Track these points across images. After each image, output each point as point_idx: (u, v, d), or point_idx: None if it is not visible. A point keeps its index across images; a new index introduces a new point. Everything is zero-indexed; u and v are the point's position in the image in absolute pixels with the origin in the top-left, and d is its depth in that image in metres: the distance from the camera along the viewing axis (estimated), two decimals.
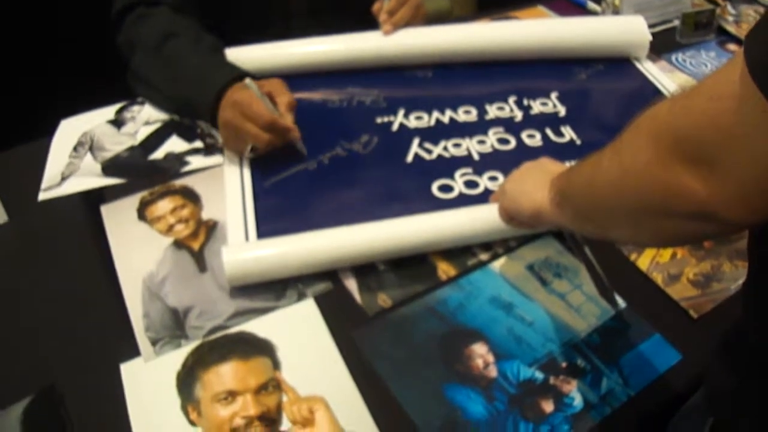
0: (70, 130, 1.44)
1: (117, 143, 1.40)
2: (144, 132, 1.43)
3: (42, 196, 1.28)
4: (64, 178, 1.32)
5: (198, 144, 1.39)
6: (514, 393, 0.99)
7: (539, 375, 1.02)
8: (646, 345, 1.05)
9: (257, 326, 1.07)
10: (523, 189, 1.05)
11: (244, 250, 1.13)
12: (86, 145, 1.39)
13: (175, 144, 1.40)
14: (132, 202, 1.27)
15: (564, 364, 1.03)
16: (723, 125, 0.58)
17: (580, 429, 0.95)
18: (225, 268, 1.09)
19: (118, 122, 1.45)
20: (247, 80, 1.25)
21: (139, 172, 1.33)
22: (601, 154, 0.77)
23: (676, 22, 1.78)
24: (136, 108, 1.48)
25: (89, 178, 1.32)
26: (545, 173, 1.01)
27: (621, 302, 1.10)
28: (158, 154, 1.38)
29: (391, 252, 1.15)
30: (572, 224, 0.95)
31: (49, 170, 1.34)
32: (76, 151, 1.38)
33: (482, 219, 1.17)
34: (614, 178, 0.74)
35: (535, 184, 1.01)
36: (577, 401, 0.99)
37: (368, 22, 1.53)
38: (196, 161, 1.36)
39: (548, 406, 0.98)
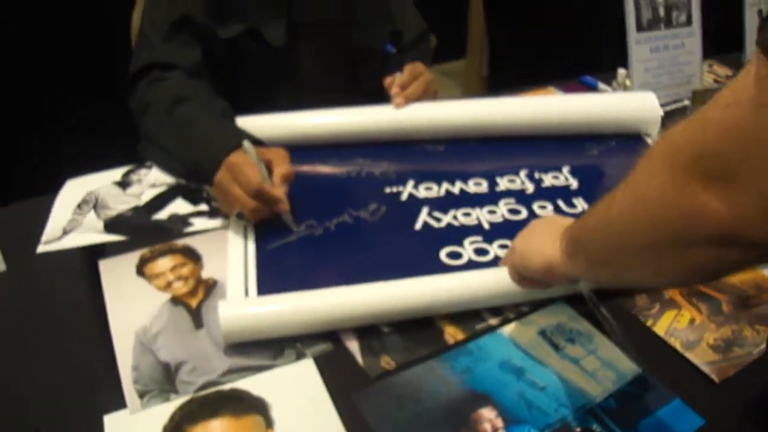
0: (75, 189, 1.38)
1: (121, 203, 1.33)
2: (150, 194, 1.36)
3: (41, 248, 1.22)
4: (65, 233, 1.25)
5: (203, 207, 1.32)
6: None
7: None
8: (666, 410, 0.95)
9: (251, 384, 0.98)
10: (533, 245, 0.97)
11: (242, 306, 1.05)
12: (90, 203, 1.33)
13: (179, 206, 1.33)
14: (131, 258, 1.20)
15: (578, 430, 0.93)
16: (741, 131, 0.52)
17: None
18: (221, 323, 1.00)
19: (124, 183, 1.39)
20: (246, 144, 1.18)
21: (141, 231, 1.26)
22: (614, 191, 0.70)
23: (687, 102, 1.72)
24: (143, 171, 1.42)
25: (90, 233, 1.26)
26: (555, 227, 0.93)
27: (633, 365, 1.02)
28: (162, 214, 1.31)
29: (396, 313, 1.06)
30: (586, 273, 0.86)
31: (51, 225, 1.28)
32: (79, 209, 1.32)
33: (492, 282, 1.08)
34: (629, 210, 0.68)
35: (545, 239, 0.93)
36: None
37: (380, 98, 1.49)
38: (199, 223, 1.28)
39: None
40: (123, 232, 1.26)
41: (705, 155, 0.56)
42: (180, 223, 1.28)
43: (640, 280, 0.81)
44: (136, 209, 1.32)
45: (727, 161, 0.54)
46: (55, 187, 1.38)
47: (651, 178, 0.63)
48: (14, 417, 0.95)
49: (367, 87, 1.56)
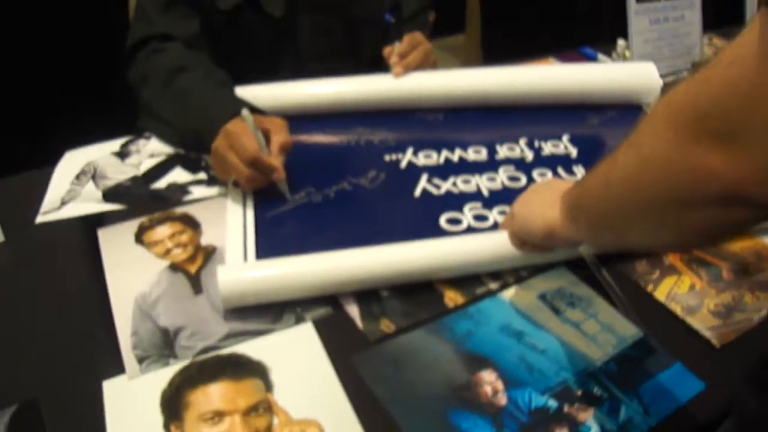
0: (73, 160, 1.37)
1: (120, 173, 1.32)
2: (148, 164, 1.35)
3: (40, 219, 1.21)
4: (63, 203, 1.25)
5: (201, 176, 1.31)
6: (526, 421, 0.88)
7: (553, 403, 0.90)
8: (667, 374, 0.95)
9: (251, 348, 0.97)
10: (533, 209, 0.95)
11: (241, 270, 1.03)
12: (89, 173, 1.32)
13: (178, 175, 1.32)
14: (130, 226, 1.19)
15: (579, 392, 0.92)
16: (745, 88, 0.51)
17: None
18: (220, 287, 0.99)
19: (122, 154, 1.38)
20: (244, 112, 1.17)
21: (140, 200, 1.25)
22: (615, 153, 0.69)
23: (686, 73, 1.71)
24: (141, 141, 1.41)
25: (89, 203, 1.25)
26: (554, 191, 0.92)
27: (639, 331, 1.00)
28: (160, 183, 1.30)
29: (396, 277, 1.05)
30: (588, 236, 0.85)
31: (49, 195, 1.27)
32: (78, 179, 1.31)
33: (491, 246, 1.07)
34: (632, 172, 0.66)
35: (544, 203, 0.92)
36: (594, 430, 0.87)
37: (379, 68, 1.47)
38: (198, 191, 1.27)
39: None
40: (121, 201, 1.25)
41: (709, 114, 0.55)
42: (178, 191, 1.27)
43: (642, 241, 0.80)
44: (134, 179, 1.31)
45: (732, 119, 0.53)
46: (53, 160, 1.38)
47: (654, 139, 0.62)
48: (12, 384, 0.94)
49: (367, 57, 1.55)
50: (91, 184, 1.30)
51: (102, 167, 1.34)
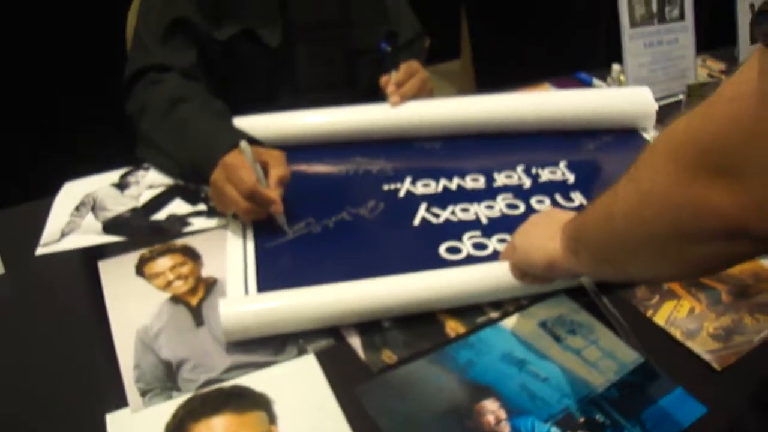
0: (73, 192, 1.36)
1: (119, 204, 1.32)
2: (148, 195, 1.35)
3: (40, 251, 1.20)
4: (63, 235, 1.24)
5: (201, 207, 1.31)
6: None
7: (556, 431, 0.90)
8: (669, 399, 0.95)
9: (254, 380, 0.97)
10: (534, 241, 0.95)
11: (243, 303, 1.04)
12: (88, 205, 1.32)
13: (178, 206, 1.32)
14: (131, 258, 1.19)
15: (582, 420, 0.92)
16: (746, 124, 0.51)
17: None
18: (222, 320, 0.99)
19: (121, 185, 1.38)
20: (242, 144, 1.17)
21: (140, 231, 1.25)
22: (615, 187, 0.68)
23: (681, 96, 1.71)
24: (140, 173, 1.41)
25: (89, 235, 1.24)
26: (555, 222, 0.92)
27: (640, 356, 1.00)
28: (160, 215, 1.30)
29: (397, 308, 1.05)
30: (589, 269, 0.85)
31: (49, 227, 1.26)
32: (77, 211, 1.30)
33: (492, 276, 1.07)
34: (633, 206, 0.66)
35: (545, 235, 0.92)
36: None
37: (376, 97, 1.48)
38: (198, 223, 1.27)
39: None
40: (122, 233, 1.25)
41: (711, 150, 0.56)
42: (178, 223, 1.27)
43: (644, 274, 0.80)
44: (134, 210, 1.31)
45: (734, 155, 0.53)
46: (52, 191, 1.37)
47: (655, 174, 0.62)
48: (13, 419, 0.93)
49: (363, 86, 1.56)
50: (90, 216, 1.29)
51: (101, 198, 1.34)
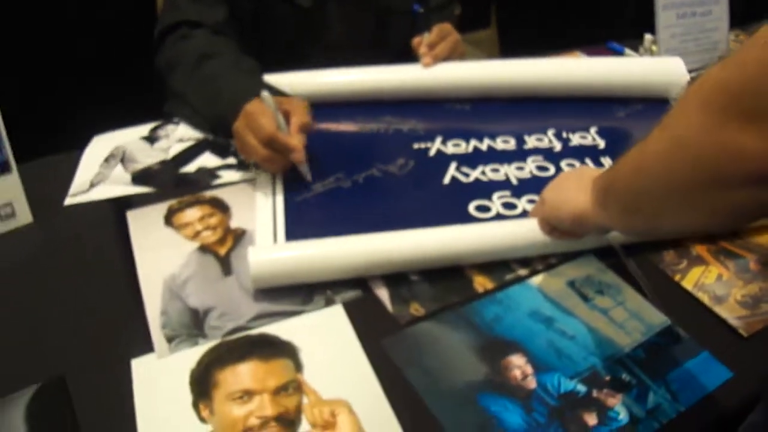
0: (102, 144, 1.36)
1: (149, 157, 1.31)
2: (177, 148, 1.35)
3: (69, 201, 1.20)
4: (92, 185, 1.24)
5: (231, 160, 1.30)
6: (555, 405, 0.88)
7: (581, 388, 0.90)
8: (695, 362, 0.94)
9: (281, 329, 0.97)
10: (563, 196, 0.95)
11: (272, 251, 1.03)
12: (117, 157, 1.31)
13: (207, 159, 1.31)
14: (159, 209, 1.18)
15: (607, 378, 0.91)
16: None
17: None
18: (250, 267, 0.99)
19: (151, 138, 1.37)
20: (264, 93, 1.16)
21: (169, 183, 1.25)
22: (647, 137, 0.68)
23: None
24: (170, 127, 1.40)
25: (118, 186, 1.24)
26: (585, 177, 0.91)
27: (662, 317, 1.01)
28: (190, 167, 1.29)
29: (425, 261, 1.04)
30: (618, 222, 0.84)
31: (78, 178, 1.26)
32: (107, 162, 1.30)
33: (521, 232, 1.07)
34: (664, 154, 0.65)
35: (575, 189, 0.91)
36: (623, 415, 0.87)
37: (407, 59, 1.47)
38: (227, 176, 1.27)
39: (591, 419, 0.86)
40: (150, 184, 1.25)
41: (743, 94, 0.55)
42: (207, 175, 1.27)
43: (674, 225, 0.79)
44: (163, 163, 1.31)
45: (765, 99, 0.53)
46: (80, 144, 1.37)
47: (686, 121, 0.61)
48: (40, 363, 0.93)
49: (394, 47, 1.54)
50: (119, 168, 1.29)
51: (131, 151, 1.33)
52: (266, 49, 1.47)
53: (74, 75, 1.76)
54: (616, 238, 1.04)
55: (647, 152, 0.69)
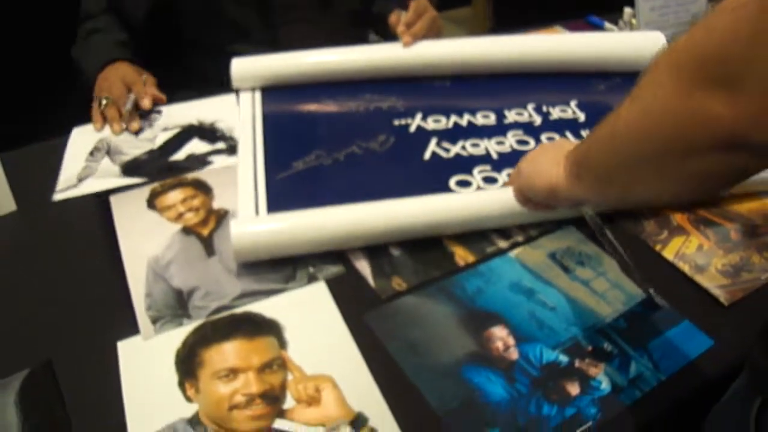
0: (83, 137, 1.36)
1: (136, 147, 1.31)
2: (163, 137, 1.34)
3: (58, 196, 1.19)
4: (81, 180, 1.23)
5: (220, 145, 1.30)
6: (537, 375, 0.88)
7: (563, 358, 0.90)
8: (676, 331, 0.94)
9: (264, 307, 0.97)
10: (539, 168, 0.94)
11: (254, 223, 1.04)
12: (103, 150, 1.30)
13: (196, 146, 1.31)
14: (142, 193, 1.18)
15: (589, 348, 0.92)
16: (746, 31, 0.50)
17: (608, 412, 0.84)
18: (232, 240, 0.99)
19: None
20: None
21: (161, 172, 1.24)
22: (618, 108, 0.68)
23: None
24: (152, 116, 1.40)
25: (107, 178, 1.23)
26: (561, 149, 0.91)
27: (652, 291, 0.99)
28: (179, 155, 1.29)
29: (405, 231, 1.05)
30: (591, 193, 0.84)
31: (64, 173, 1.25)
32: (92, 156, 1.29)
33: (498, 201, 1.06)
34: (634, 122, 0.64)
35: (550, 161, 0.91)
36: (605, 384, 0.87)
37: (356, 24, 1.53)
38: (219, 161, 1.27)
39: (574, 389, 0.87)
40: (141, 174, 1.24)
41: (710, 60, 0.54)
42: (198, 162, 1.27)
43: (646, 193, 0.78)
44: (151, 152, 1.30)
45: (733, 65, 0.52)
46: (60, 133, 1.38)
47: (656, 88, 0.61)
48: (27, 348, 0.94)
49: (339, 8, 1.57)
50: (106, 160, 1.28)
51: (116, 143, 1.33)
52: (211, 24, 1.55)
53: (53, 65, 1.74)
54: (590, 210, 1.04)
55: (618, 122, 0.69)
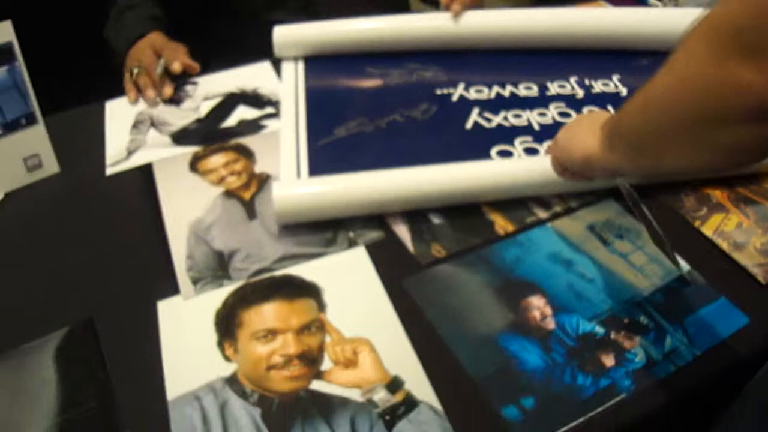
0: (120, 111, 1.36)
1: (181, 118, 1.31)
2: (206, 106, 1.34)
3: (110, 170, 1.21)
4: (130, 153, 1.24)
5: (270, 110, 1.31)
6: (573, 345, 0.88)
7: (600, 330, 0.90)
8: (712, 308, 0.94)
9: (304, 270, 0.98)
10: (574, 136, 0.94)
11: (296, 186, 1.05)
12: (146, 122, 1.31)
13: (245, 112, 1.31)
14: (184, 157, 1.19)
15: (626, 321, 0.92)
16: None
17: (642, 385, 0.84)
18: (274, 201, 1.00)
19: (174, 101, 1.37)
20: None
21: (214, 139, 1.24)
22: (654, 76, 0.67)
23: None
24: (189, 87, 1.40)
25: (159, 149, 1.24)
26: (598, 120, 0.90)
27: (684, 264, 1.00)
28: (230, 122, 1.29)
29: (444, 196, 1.06)
30: (625, 162, 0.83)
31: (111, 148, 1.26)
32: (136, 129, 1.30)
33: (538, 169, 1.06)
34: (667, 90, 0.64)
35: (587, 131, 0.91)
36: (640, 357, 0.87)
37: None
38: (273, 125, 1.27)
39: (609, 360, 0.87)
40: (193, 142, 1.25)
41: (744, 30, 0.54)
42: (253, 126, 1.28)
43: (677, 164, 0.77)
44: (199, 121, 1.30)
45: (764, 34, 0.52)
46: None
47: (690, 57, 0.60)
48: (69, 306, 0.95)
49: None
50: (153, 132, 1.29)
51: (160, 115, 1.33)
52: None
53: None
54: (624, 182, 1.04)
55: (652, 90, 0.69)
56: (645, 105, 0.70)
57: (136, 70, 1.36)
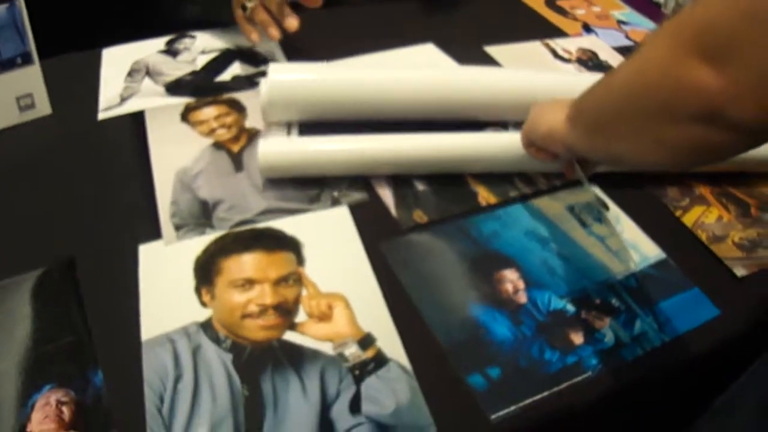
0: (117, 59, 1.36)
1: (176, 69, 1.31)
2: (203, 60, 1.34)
3: (102, 115, 1.20)
4: (124, 100, 1.23)
5: (265, 68, 1.28)
6: (543, 321, 0.90)
7: (571, 307, 0.92)
8: (684, 296, 0.96)
9: (286, 224, 0.99)
10: (544, 112, 0.95)
11: (282, 143, 1.06)
12: (141, 71, 1.30)
13: (241, 68, 1.32)
14: (176, 107, 1.20)
15: (597, 301, 0.93)
16: (746, 10, 0.51)
17: (609, 365, 0.86)
18: (259, 156, 1.02)
19: (171, 52, 1.37)
20: None
21: (207, 92, 1.24)
22: (624, 60, 0.69)
23: None
24: (187, 40, 1.40)
25: (152, 98, 1.24)
26: (569, 99, 0.91)
27: (657, 249, 1.03)
28: (225, 76, 1.29)
29: (429, 163, 1.07)
30: (581, 141, 0.84)
31: (105, 93, 1.25)
32: (131, 77, 1.29)
33: (517, 143, 1.05)
34: (627, 77, 0.67)
35: (557, 107, 0.92)
36: (608, 338, 0.89)
37: None
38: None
39: (577, 338, 0.88)
40: (186, 94, 1.25)
41: (706, 31, 0.55)
42: (246, 82, 1.28)
43: (626, 154, 0.78)
44: (195, 73, 1.31)
45: (726, 36, 0.53)
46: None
47: (653, 51, 0.62)
48: (51, 247, 0.95)
49: None
50: (148, 81, 1.29)
51: (154, 64, 1.33)
52: None
53: None
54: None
55: (616, 76, 0.70)
56: (607, 89, 0.72)
57: (249, 4, 1.24)
